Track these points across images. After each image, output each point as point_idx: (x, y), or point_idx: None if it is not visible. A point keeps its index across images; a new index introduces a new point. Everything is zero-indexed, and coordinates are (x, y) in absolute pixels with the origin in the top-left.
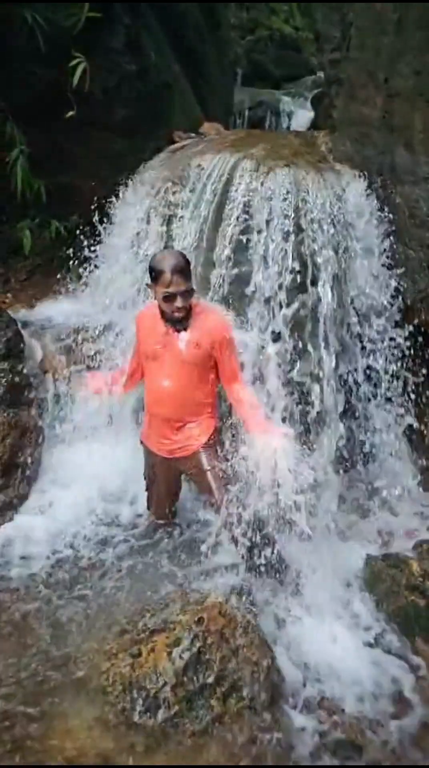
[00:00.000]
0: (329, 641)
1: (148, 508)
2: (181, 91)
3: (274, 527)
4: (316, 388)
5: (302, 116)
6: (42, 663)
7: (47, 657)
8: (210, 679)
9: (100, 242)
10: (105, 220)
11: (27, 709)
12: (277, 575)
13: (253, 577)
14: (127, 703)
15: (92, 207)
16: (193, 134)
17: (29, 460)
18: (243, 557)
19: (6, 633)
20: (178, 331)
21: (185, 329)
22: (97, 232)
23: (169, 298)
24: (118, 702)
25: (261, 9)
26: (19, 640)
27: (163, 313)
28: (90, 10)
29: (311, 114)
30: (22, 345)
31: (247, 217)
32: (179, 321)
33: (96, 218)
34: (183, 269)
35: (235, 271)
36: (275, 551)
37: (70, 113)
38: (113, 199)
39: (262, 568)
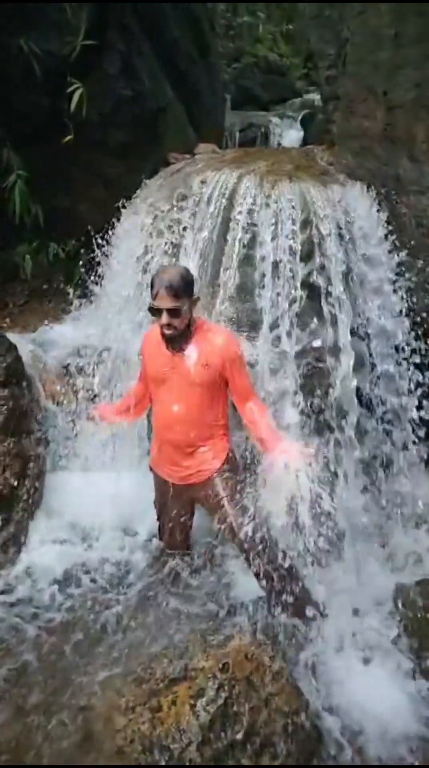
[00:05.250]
0: (364, 683)
1: (160, 538)
2: (175, 114)
3: (299, 558)
4: (331, 399)
5: (291, 136)
6: (50, 719)
7: (56, 712)
8: (239, 735)
9: (99, 265)
10: (104, 242)
11: None
12: (303, 610)
13: (278, 614)
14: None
15: (91, 229)
16: (188, 155)
17: (32, 492)
18: (266, 592)
19: (10, 685)
20: (174, 351)
21: (181, 350)
22: (96, 255)
23: (152, 312)
24: (138, 765)
25: (245, 38)
26: (24, 693)
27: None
28: (85, 38)
29: (301, 133)
30: (22, 371)
31: (253, 231)
32: (169, 340)
33: (95, 241)
34: (174, 287)
35: (242, 286)
36: (300, 584)
37: (69, 138)
38: (113, 220)
39: (287, 603)
